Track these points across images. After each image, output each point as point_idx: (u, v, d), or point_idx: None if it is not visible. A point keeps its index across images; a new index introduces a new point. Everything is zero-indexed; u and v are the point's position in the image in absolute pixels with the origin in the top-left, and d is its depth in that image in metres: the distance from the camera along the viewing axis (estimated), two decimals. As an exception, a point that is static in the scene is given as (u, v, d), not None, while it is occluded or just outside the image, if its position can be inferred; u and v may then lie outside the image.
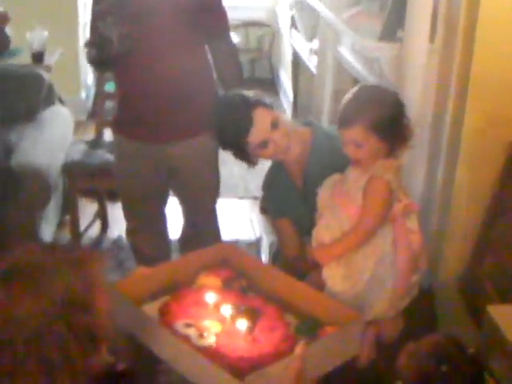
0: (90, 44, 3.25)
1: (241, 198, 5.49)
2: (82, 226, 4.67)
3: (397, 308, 2.50)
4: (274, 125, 2.68)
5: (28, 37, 4.99)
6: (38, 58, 5.01)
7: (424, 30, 2.93)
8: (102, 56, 3.18)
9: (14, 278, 1.62)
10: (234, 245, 2.93)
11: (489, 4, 2.78)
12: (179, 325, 2.15)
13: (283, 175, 2.89)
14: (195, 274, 2.44)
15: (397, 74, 3.14)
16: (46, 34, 4.99)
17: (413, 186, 3.15)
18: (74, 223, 4.50)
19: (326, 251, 2.47)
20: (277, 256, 3.29)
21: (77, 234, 4.53)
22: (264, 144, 2.68)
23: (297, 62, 6.38)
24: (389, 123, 2.38)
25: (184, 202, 3.67)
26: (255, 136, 2.66)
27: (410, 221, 2.50)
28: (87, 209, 4.98)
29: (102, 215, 4.91)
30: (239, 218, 5.16)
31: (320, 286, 2.48)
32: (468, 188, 3.05)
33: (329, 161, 2.65)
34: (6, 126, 4.41)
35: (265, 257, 4.38)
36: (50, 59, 5.13)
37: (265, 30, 8.52)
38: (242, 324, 2.14)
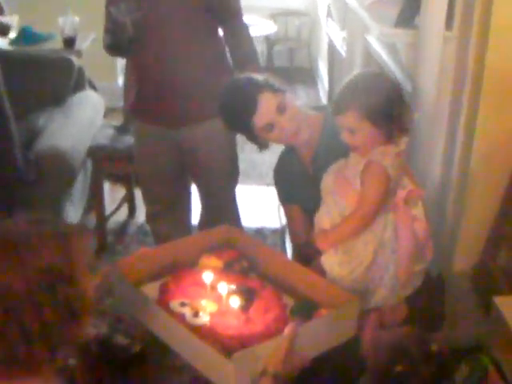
0: (105, 30, 3.30)
1: (268, 185, 5.49)
2: (110, 210, 4.74)
3: (398, 296, 2.49)
4: (281, 109, 2.67)
5: (60, 22, 5.05)
6: (69, 43, 5.08)
7: (440, 16, 2.89)
8: (116, 42, 3.24)
9: None
10: (238, 227, 2.93)
11: (505, -10, 2.75)
12: (174, 303, 2.18)
13: (294, 160, 2.88)
14: (198, 255, 2.46)
15: (413, 60, 3.12)
16: (77, 19, 5.06)
17: (429, 176, 3.13)
18: (100, 207, 4.55)
19: (324, 237, 2.46)
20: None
21: (102, 218, 4.58)
22: (269, 127, 2.68)
23: (332, 51, 6.36)
24: (383, 110, 2.35)
25: (200, 186, 3.70)
26: (259, 119, 2.66)
27: (416, 208, 2.48)
28: (116, 194, 5.04)
29: (129, 200, 4.96)
30: (266, 206, 5.17)
31: (322, 272, 2.48)
32: (483, 179, 3.02)
33: (339, 146, 2.60)
34: (35, 111, 4.49)
35: (289, 244, 4.37)
36: (82, 44, 5.19)
37: (304, 19, 8.51)
38: (235, 301, 2.16)
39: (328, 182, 2.54)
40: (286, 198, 2.97)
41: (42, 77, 4.62)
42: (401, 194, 2.42)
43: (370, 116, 2.34)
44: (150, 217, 3.80)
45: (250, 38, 3.52)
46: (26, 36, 5.35)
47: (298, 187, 2.88)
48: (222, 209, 3.71)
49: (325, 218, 2.48)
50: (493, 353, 2.64)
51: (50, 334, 1.65)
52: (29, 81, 4.60)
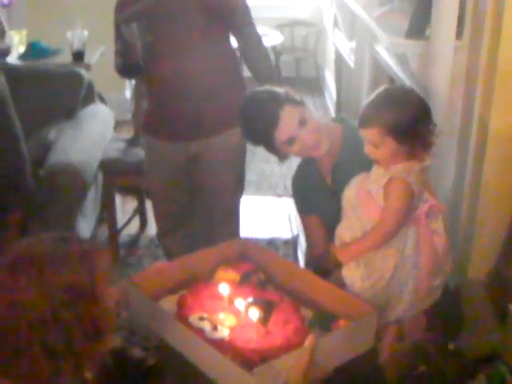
0: (115, 52, 3.33)
1: (280, 196, 5.52)
2: (122, 223, 4.75)
3: (417, 309, 2.49)
4: (302, 122, 2.66)
5: (68, 36, 5.07)
6: (78, 56, 5.10)
7: (451, 26, 2.91)
8: (127, 63, 3.26)
9: (22, 266, 1.68)
10: (253, 240, 2.94)
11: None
12: (193, 318, 2.18)
13: (313, 170, 2.87)
14: (214, 268, 2.46)
15: (423, 70, 3.13)
16: (85, 33, 5.08)
17: (441, 187, 3.13)
18: (111, 220, 4.56)
19: (345, 251, 2.45)
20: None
21: (114, 231, 4.59)
22: (291, 141, 2.67)
23: (339, 61, 6.37)
24: (408, 127, 2.33)
25: (203, 199, 3.69)
26: (282, 133, 2.65)
27: (436, 223, 2.47)
28: (127, 206, 5.05)
29: (140, 212, 4.97)
30: (277, 216, 5.18)
31: (341, 286, 2.48)
32: (495, 189, 3.03)
33: (359, 158, 2.58)
34: (46, 125, 4.49)
35: (301, 255, 4.38)
36: (91, 58, 5.21)
37: (310, 29, 8.53)
38: (254, 313, 2.16)
39: (350, 195, 2.52)
40: (303, 209, 2.95)
41: (52, 91, 4.62)
42: (423, 208, 2.41)
43: (393, 132, 2.33)
44: (161, 233, 3.81)
45: (264, 49, 3.54)
46: (34, 50, 5.38)
47: (316, 198, 2.87)
48: (224, 220, 3.71)
49: (346, 232, 2.47)
50: (509, 361, 2.64)
51: (74, 352, 1.66)
52: (38, 95, 4.61)
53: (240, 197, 3.76)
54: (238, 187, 3.70)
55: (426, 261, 2.41)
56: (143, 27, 3.12)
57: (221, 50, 3.36)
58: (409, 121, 2.34)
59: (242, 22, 3.39)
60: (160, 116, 3.47)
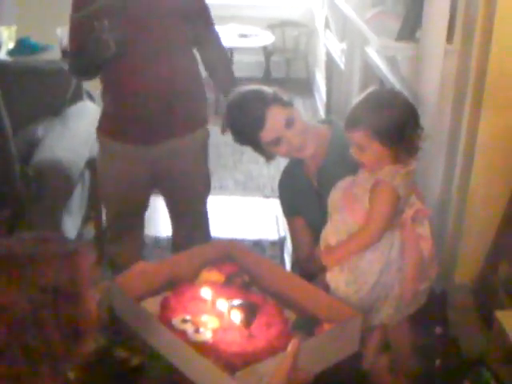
0: (75, 52, 3.28)
1: (267, 197, 5.50)
2: (108, 221, 4.72)
3: (402, 314, 2.47)
4: (289, 123, 2.64)
5: (58, 33, 5.04)
6: (67, 53, 5.06)
7: (441, 30, 2.90)
8: (96, 60, 3.18)
9: (2, 266, 1.65)
10: (238, 241, 2.92)
11: (506, 4, 2.76)
12: (176, 320, 2.15)
13: (300, 173, 2.85)
14: (198, 269, 2.44)
15: (413, 73, 3.12)
16: (75, 30, 5.03)
17: (429, 191, 3.12)
18: (98, 218, 4.54)
19: (330, 254, 2.44)
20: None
21: (100, 229, 4.56)
22: (277, 142, 2.65)
23: (330, 63, 6.37)
24: (394, 131, 2.31)
25: (175, 204, 3.67)
26: (268, 134, 2.63)
27: (422, 227, 2.46)
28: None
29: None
30: (264, 218, 5.17)
31: (326, 289, 2.46)
32: (483, 194, 3.02)
33: (346, 161, 2.55)
34: (33, 122, 4.47)
35: (288, 256, 4.37)
36: (80, 55, 5.17)
37: (301, 30, 8.52)
38: (237, 316, 2.14)
39: (336, 198, 2.51)
40: (289, 211, 2.94)
41: (40, 87, 4.61)
42: (408, 212, 2.40)
43: (380, 136, 2.31)
44: (113, 239, 3.76)
45: (225, 53, 3.59)
46: (23, 47, 5.35)
47: (302, 200, 2.85)
48: (196, 226, 3.70)
49: (331, 235, 2.46)
50: (493, 366, 2.64)
51: (54, 353, 1.63)
52: (27, 92, 4.58)
53: (208, 197, 3.73)
54: (205, 189, 3.68)
55: (411, 265, 2.40)
56: (116, 24, 3.07)
57: (183, 52, 3.33)
58: (395, 124, 2.33)
59: (203, 24, 3.40)
60: (119, 118, 3.39)
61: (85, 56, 3.21)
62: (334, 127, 2.80)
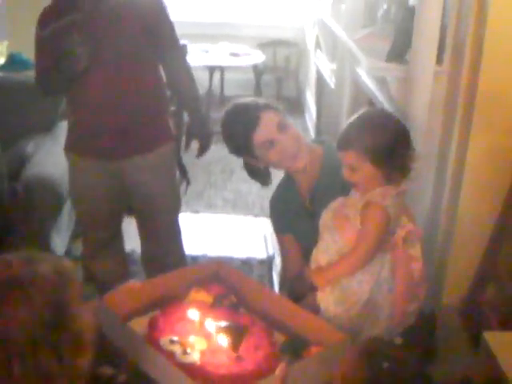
0: (43, 68, 3.29)
1: (256, 215, 5.50)
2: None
3: (391, 334, 2.47)
4: (282, 127, 2.70)
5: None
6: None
7: (431, 51, 2.91)
8: (69, 74, 3.19)
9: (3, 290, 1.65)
10: (226, 262, 2.92)
11: (496, 26, 2.77)
12: (164, 341, 2.14)
13: (293, 191, 2.86)
14: (187, 289, 2.43)
15: (403, 94, 3.13)
16: (66, 46, 5.03)
17: (418, 212, 3.12)
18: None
19: (321, 275, 2.44)
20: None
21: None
22: (269, 144, 2.68)
23: (320, 82, 6.38)
24: (386, 153, 2.33)
25: (143, 219, 3.66)
26: (261, 134, 2.67)
27: (413, 248, 2.47)
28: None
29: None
30: (253, 236, 5.16)
31: (316, 309, 2.46)
32: (472, 214, 3.02)
33: (338, 181, 2.58)
34: (24, 137, 4.46)
35: (276, 275, 4.35)
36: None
37: (292, 49, 8.54)
38: (223, 340, 2.13)
39: (327, 218, 2.51)
40: (280, 228, 2.94)
41: (31, 103, 4.60)
42: (400, 233, 2.40)
43: (371, 157, 2.32)
44: (89, 256, 3.75)
45: (188, 69, 3.56)
46: (14, 62, 5.34)
47: (293, 218, 2.86)
48: (168, 240, 3.68)
49: (322, 255, 2.46)
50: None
51: (70, 370, 1.65)
52: (17, 107, 4.58)
53: (179, 212, 3.73)
54: (174, 206, 3.68)
55: (401, 286, 2.40)
56: (86, 38, 3.09)
57: (146, 67, 3.35)
58: (387, 146, 2.34)
59: (167, 40, 3.42)
60: (85, 133, 3.40)
61: (59, 71, 3.21)
62: (327, 147, 2.82)
